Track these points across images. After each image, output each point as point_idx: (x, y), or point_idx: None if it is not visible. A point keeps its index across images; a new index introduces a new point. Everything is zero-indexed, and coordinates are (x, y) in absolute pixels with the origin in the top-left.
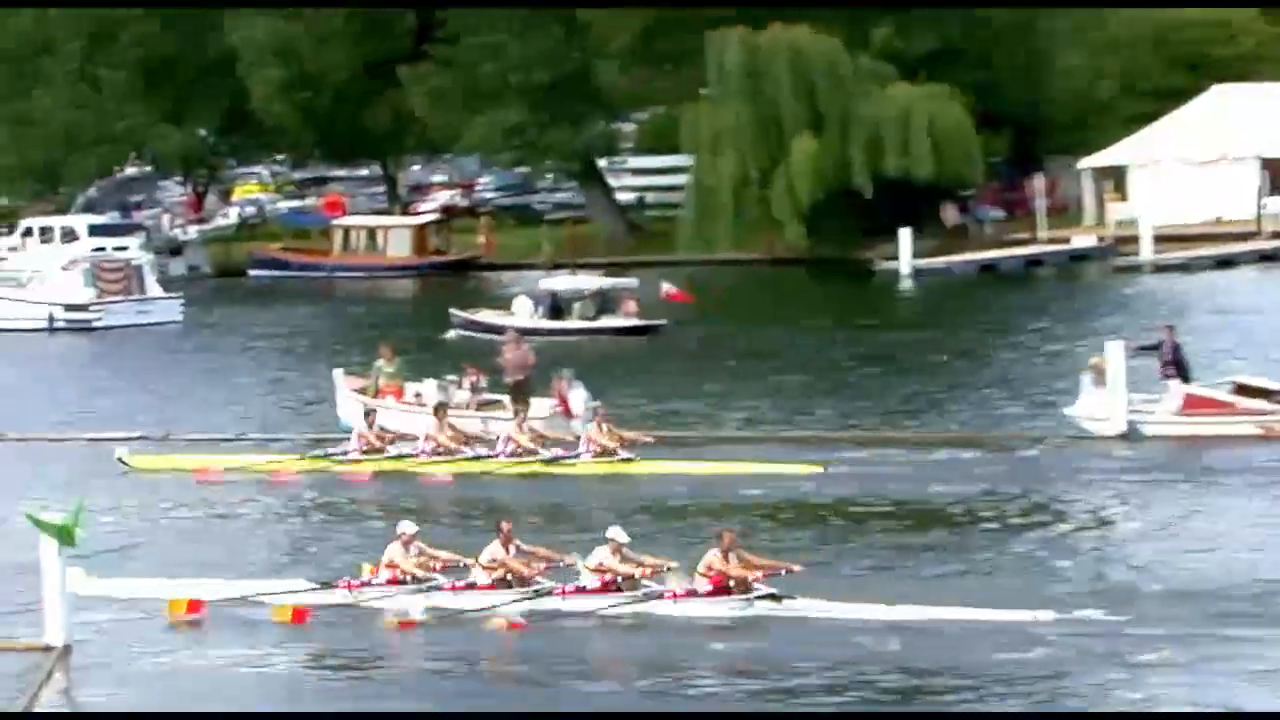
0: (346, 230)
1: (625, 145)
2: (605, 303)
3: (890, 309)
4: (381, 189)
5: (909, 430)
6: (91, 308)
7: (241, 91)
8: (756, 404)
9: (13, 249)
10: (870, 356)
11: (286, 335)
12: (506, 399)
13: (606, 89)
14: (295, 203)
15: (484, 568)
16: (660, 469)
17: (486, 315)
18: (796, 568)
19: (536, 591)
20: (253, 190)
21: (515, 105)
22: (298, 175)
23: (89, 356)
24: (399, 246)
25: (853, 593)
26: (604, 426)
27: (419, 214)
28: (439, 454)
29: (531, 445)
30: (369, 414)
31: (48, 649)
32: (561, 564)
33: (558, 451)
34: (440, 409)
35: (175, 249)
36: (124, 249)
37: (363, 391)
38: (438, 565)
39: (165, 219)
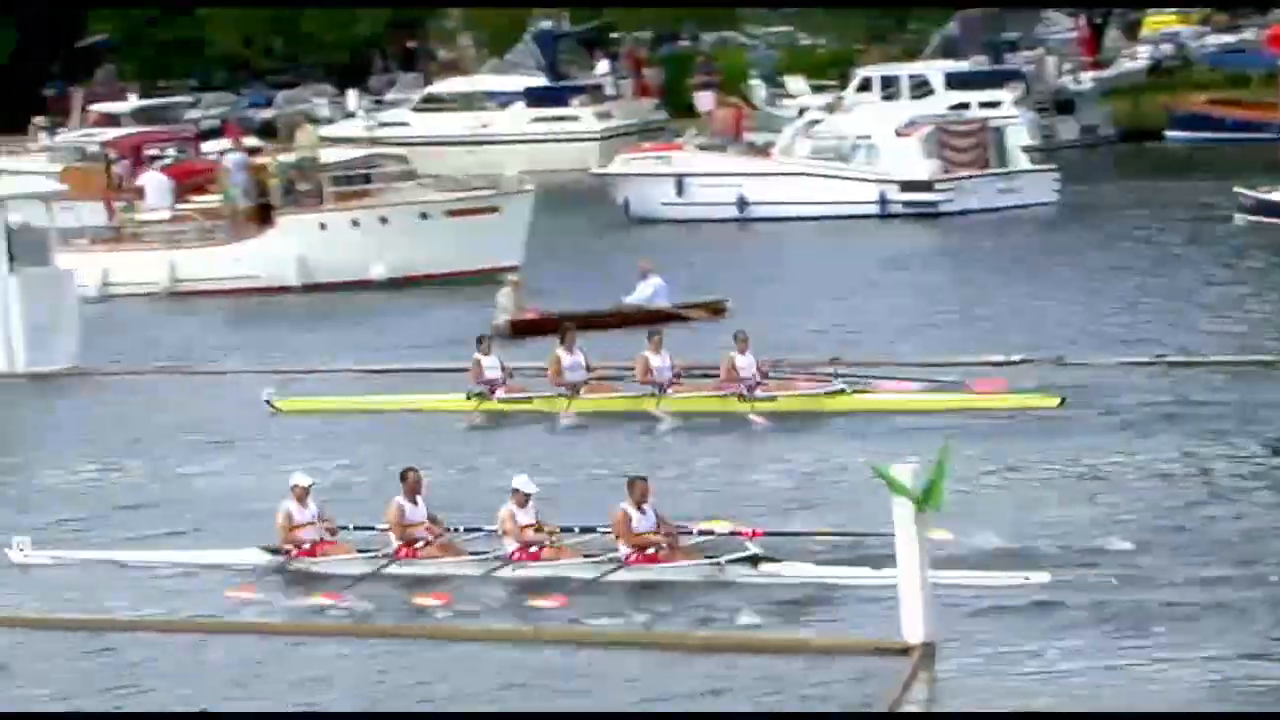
0: None
1: None
2: None
3: None
4: None
5: None
6: (936, 186)
7: None
8: None
9: (827, 109)
10: None
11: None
12: None
13: None
14: (1228, 37)
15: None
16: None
17: None
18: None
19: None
20: (1169, 22)
21: None
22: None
23: (930, 251)
24: None
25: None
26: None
27: None
28: None
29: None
30: None
31: (906, 650)
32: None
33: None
34: None
35: (1064, 104)
36: (993, 105)
37: None
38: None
39: (1050, 63)
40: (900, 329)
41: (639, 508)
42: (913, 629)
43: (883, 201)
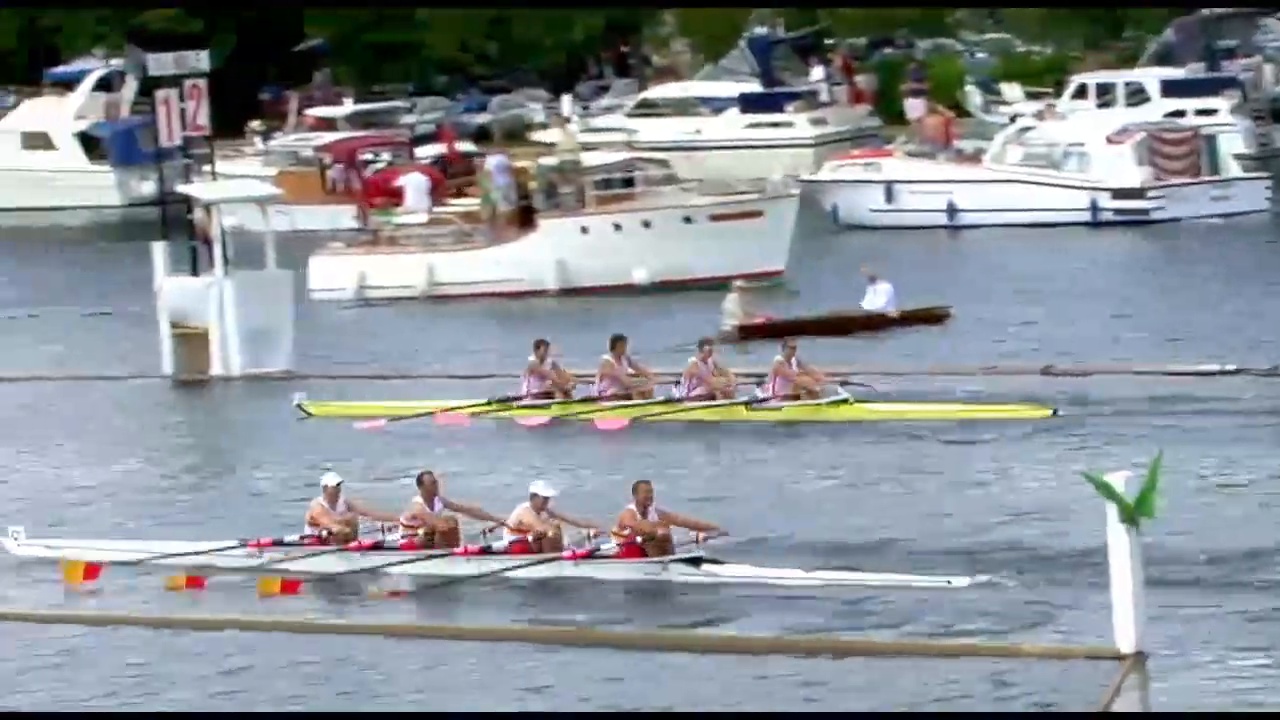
0: None
1: None
2: None
3: None
4: None
5: None
6: (1148, 193)
7: None
8: None
9: (1038, 116)
10: None
11: None
12: None
13: None
14: None
15: (405, 526)
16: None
17: None
18: (724, 531)
19: (430, 555)
20: None
21: None
22: None
23: (1141, 258)
24: None
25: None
26: (794, 362)
27: None
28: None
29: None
30: None
31: (1119, 657)
32: (493, 524)
33: (756, 393)
34: None
35: None
36: (1209, 113)
37: None
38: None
39: (1267, 71)
40: (1114, 337)
41: (643, 511)
42: (1125, 637)
43: (1094, 209)
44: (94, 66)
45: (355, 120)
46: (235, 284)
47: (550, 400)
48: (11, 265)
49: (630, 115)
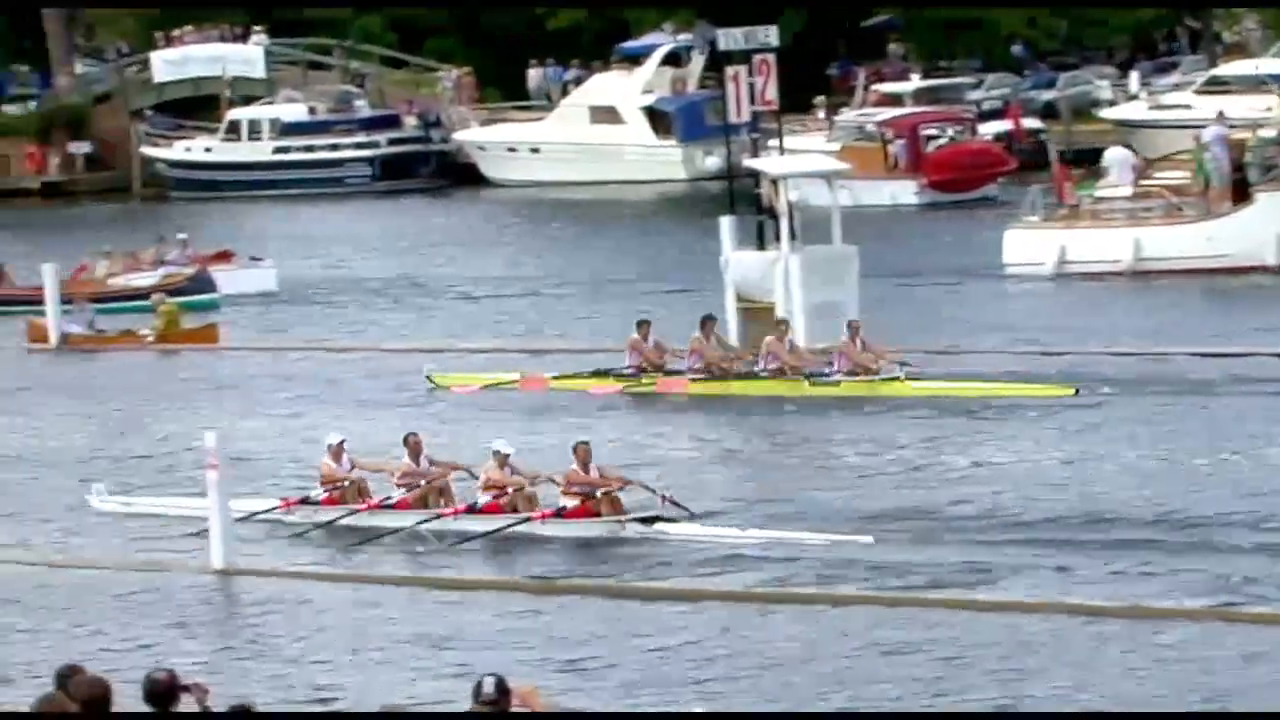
0: None
1: None
2: None
3: None
4: None
5: None
6: None
7: None
8: None
9: None
10: None
11: None
12: None
13: None
14: None
15: (397, 483)
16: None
17: None
18: (661, 493)
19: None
20: None
21: None
22: None
23: None
24: None
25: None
26: (859, 341)
27: None
28: None
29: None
30: None
31: None
32: (470, 474)
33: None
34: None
35: None
36: None
37: None
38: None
39: None
40: None
41: (584, 468)
42: None
43: None
44: (662, 41)
45: (921, 96)
46: (802, 259)
47: (642, 373)
48: (582, 237)
49: (1198, 92)
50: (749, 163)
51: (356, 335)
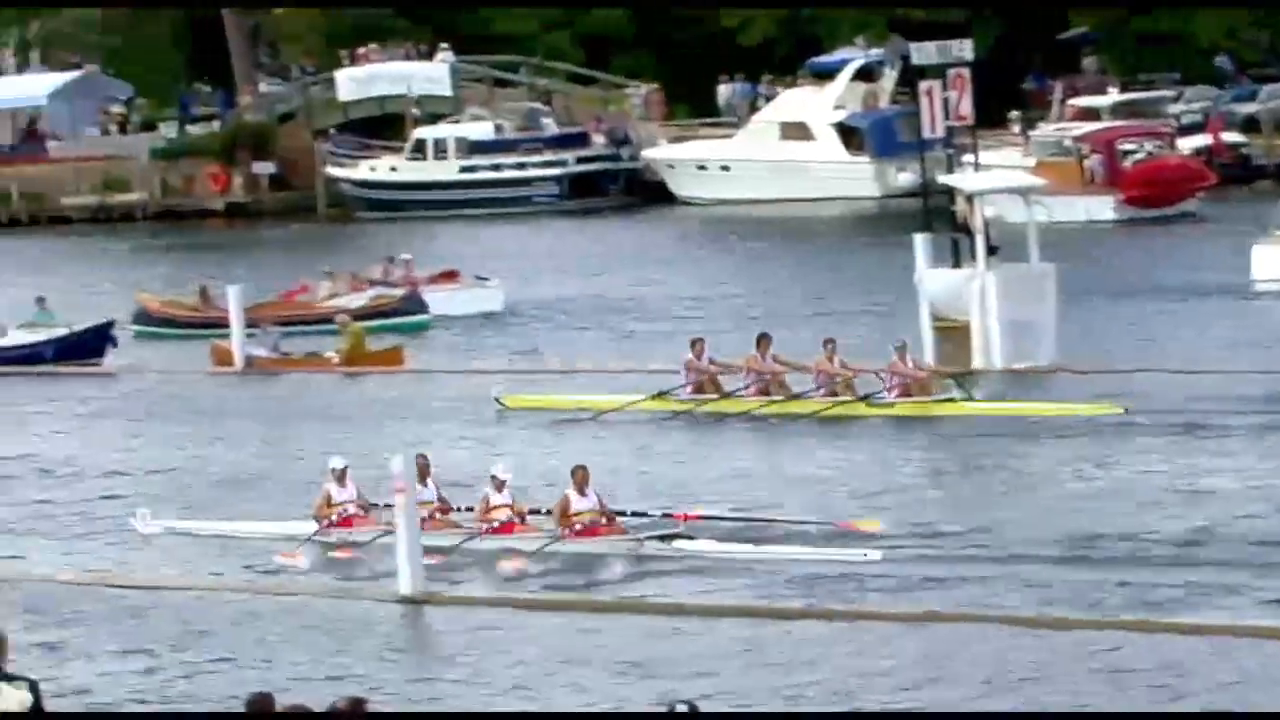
0: None
1: None
2: None
3: None
4: None
5: None
6: None
7: None
8: None
9: None
10: None
11: None
12: None
13: None
14: None
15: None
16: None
17: None
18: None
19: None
20: None
21: None
22: None
23: None
24: None
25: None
26: (908, 359)
27: None
28: None
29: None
30: None
31: None
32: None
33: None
34: None
35: None
36: None
37: None
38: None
39: None
40: None
41: (580, 491)
42: None
43: None
44: (855, 56)
45: (1119, 110)
46: (998, 277)
47: (701, 394)
48: (773, 256)
49: None
50: (943, 179)
51: (563, 359)
